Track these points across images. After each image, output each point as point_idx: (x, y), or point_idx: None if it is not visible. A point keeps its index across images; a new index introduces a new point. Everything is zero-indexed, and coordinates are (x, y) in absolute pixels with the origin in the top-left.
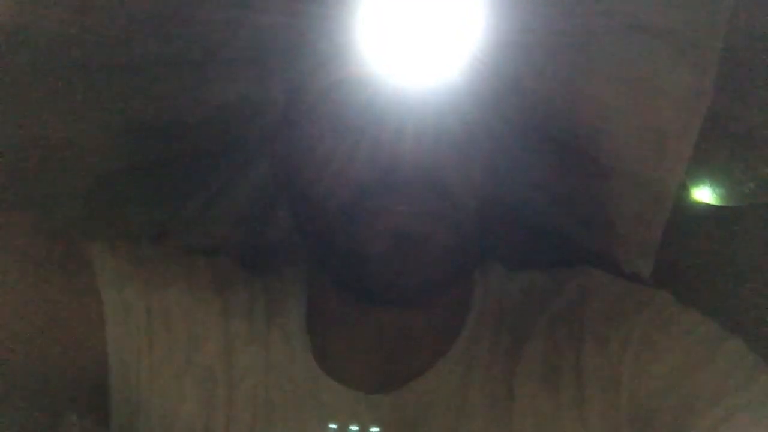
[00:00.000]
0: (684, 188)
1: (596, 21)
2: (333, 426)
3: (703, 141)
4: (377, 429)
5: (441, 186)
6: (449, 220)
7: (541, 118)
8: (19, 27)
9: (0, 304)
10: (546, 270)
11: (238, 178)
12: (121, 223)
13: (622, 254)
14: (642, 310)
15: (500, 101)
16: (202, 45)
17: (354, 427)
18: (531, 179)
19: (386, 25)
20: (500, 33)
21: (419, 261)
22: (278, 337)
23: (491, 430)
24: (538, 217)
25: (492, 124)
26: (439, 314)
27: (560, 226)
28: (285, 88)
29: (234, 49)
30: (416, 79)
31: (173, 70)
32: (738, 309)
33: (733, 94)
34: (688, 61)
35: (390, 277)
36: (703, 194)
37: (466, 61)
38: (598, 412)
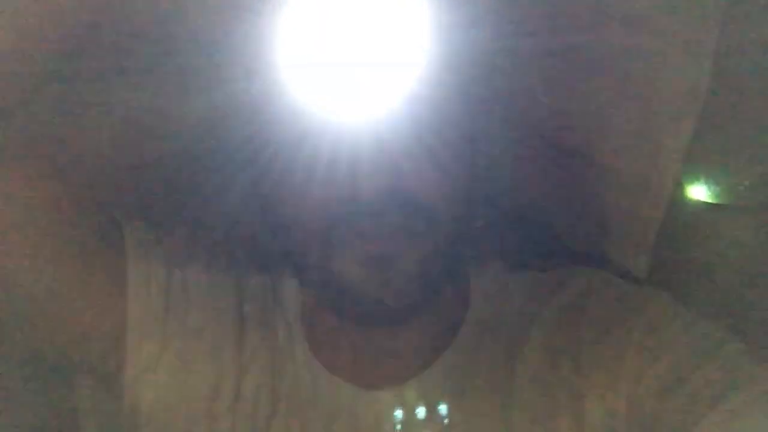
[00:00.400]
0: (679, 187)
1: (591, 19)
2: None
3: (698, 139)
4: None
5: (409, 201)
6: (422, 233)
7: (535, 117)
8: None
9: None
10: (545, 270)
11: (236, 176)
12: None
13: (618, 254)
14: (641, 310)
15: (481, 103)
16: (197, 41)
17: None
18: (525, 179)
19: (338, 45)
20: (485, 28)
21: (398, 282)
22: (283, 325)
23: (489, 428)
24: (533, 217)
25: (466, 127)
26: (436, 315)
27: (556, 226)
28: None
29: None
30: (371, 96)
31: (168, 70)
32: (734, 308)
33: (729, 93)
34: (683, 59)
35: (371, 302)
36: (699, 193)
37: (429, 67)
38: (597, 412)
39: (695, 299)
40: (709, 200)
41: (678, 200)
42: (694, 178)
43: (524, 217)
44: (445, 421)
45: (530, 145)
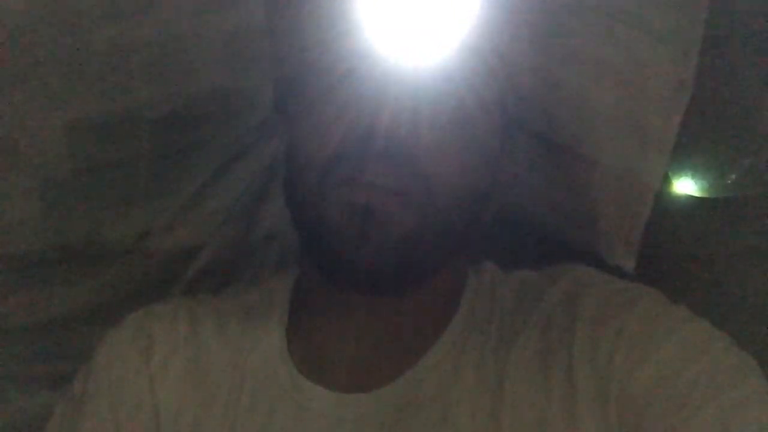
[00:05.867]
0: (666, 180)
1: (576, 12)
2: None
3: (685, 132)
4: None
5: (415, 166)
6: (417, 201)
7: (523, 111)
8: None
9: None
10: (535, 268)
11: (222, 175)
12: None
13: (606, 248)
14: (632, 307)
15: (487, 92)
16: (170, 33)
17: None
18: (513, 173)
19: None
20: (491, 21)
21: (377, 240)
22: (252, 347)
23: (479, 429)
24: (522, 214)
25: (480, 115)
26: (425, 310)
27: (544, 223)
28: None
29: (204, 39)
30: (410, 59)
31: (136, 60)
32: (723, 303)
33: (715, 85)
34: (668, 52)
35: (349, 255)
36: (686, 186)
37: (458, 49)
38: (589, 409)
39: (684, 295)
40: (696, 194)
41: (665, 195)
42: (681, 172)
43: (513, 213)
44: (432, 419)
45: (517, 138)
